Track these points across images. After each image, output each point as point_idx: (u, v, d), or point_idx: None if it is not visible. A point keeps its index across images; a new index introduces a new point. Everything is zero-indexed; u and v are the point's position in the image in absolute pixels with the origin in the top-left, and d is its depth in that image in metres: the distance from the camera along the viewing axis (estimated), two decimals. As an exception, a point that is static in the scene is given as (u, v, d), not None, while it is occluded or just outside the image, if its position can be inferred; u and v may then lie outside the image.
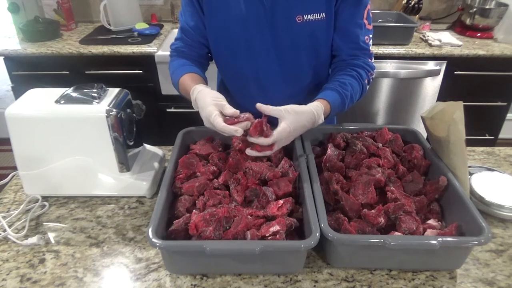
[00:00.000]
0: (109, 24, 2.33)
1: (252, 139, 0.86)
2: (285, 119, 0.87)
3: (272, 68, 1.08)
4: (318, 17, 0.99)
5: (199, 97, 0.94)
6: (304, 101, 1.16)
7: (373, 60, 1.09)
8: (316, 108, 0.92)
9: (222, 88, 1.25)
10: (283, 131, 0.86)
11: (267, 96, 1.13)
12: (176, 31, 2.43)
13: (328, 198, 0.90)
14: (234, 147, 1.01)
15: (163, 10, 2.57)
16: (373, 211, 0.84)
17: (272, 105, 1.13)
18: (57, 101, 0.96)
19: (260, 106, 0.87)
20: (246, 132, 0.87)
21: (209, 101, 0.90)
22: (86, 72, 2.10)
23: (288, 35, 1.02)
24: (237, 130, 0.83)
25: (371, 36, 1.06)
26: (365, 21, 1.03)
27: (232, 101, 1.22)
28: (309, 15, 0.98)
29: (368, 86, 1.08)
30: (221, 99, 0.91)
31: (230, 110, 0.88)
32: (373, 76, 1.09)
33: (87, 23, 2.52)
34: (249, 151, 0.88)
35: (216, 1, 1.02)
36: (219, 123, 0.85)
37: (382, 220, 0.82)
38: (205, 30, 1.08)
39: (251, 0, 0.98)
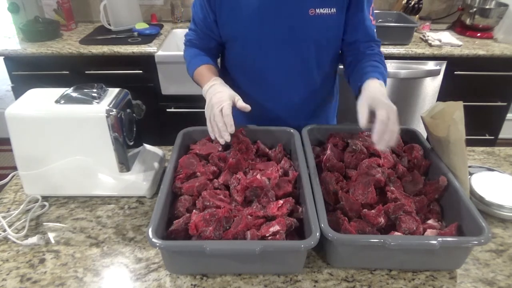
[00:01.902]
0: (109, 24, 2.33)
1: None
2: (379, 107, 0.89)
3: (281, 60, 1.10)
4: (329, 11, 1.02)
5: (217, 87, 1.01)
6: (310, 95, 1.17)
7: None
8: (366, 84, 0.97)
9: (224, 75, 1.25)
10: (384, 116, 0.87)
11: (274, 87, 1.15)
12: (176, 31, 2.44)
13: (328, 198, 0.90)
14: (234, 147, 1.01)
15: (163, 10, 2.57)
16: (373, 211, 0.84)
17: (277, 98, 1.18)
18: (57, 101, 0.96)
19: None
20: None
21: (227, 91, 0.99)
22: (86, 72, 2.10)
23: (300, 27, 1.04)
24: (232, 128, 0.93)
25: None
26: (371, 17, 1.10)
27: (234, 89, 1.23)
28: (321, 9, 1.01)
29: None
30: (237, 96, 1.00)
31: (243, 104, 0.97)
32: None
33: (87, 23, 2.52)
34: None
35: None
36: (227, 111, 0.94)
37: (382, 220, 0.82)
38: (213, 24, 1.10)
39: None
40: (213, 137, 0.99)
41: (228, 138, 0.95)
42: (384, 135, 0.85)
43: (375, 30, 1.12)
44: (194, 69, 1.13)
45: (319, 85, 1.18)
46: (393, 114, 0.87)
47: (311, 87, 1.17)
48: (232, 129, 0.94)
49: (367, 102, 0.91)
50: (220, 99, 0.97)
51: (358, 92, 1.01)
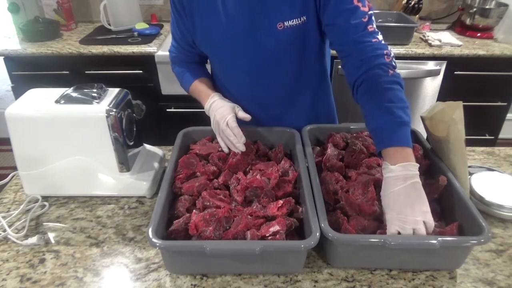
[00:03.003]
0: (109, 24, 2.33)
1: None
2: (389, 221, 0.78)
3: (257, 75, 1.07)
4: (299, 21, 0.97)
5: (217, 103, 1.04)
6: (292, 104, 1.14)
7: (381, 38, 0.93)
8: (384, 171, 0.82)
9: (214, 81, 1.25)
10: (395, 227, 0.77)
11: (256, 101, 1.12)
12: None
13: (328, 198, 0.90)
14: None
15: (163, 10, 2.57)
16: (365, 201, 0.84)
17: (262, 109, 1.13)
18: (57, 101, 0.96)
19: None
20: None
21: (227, 104, 1.03)
22: (86, 72, 2.10)
23: (271, 43, 1.00)
24: (243, 138, 0.98)
25: (370, 14, 0.92)
26: (358, 4, 0.91)
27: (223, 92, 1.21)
28: (289, 21, 0.96)
29: (396, 70, 0.92)
30: (238, 106, 1.04)
31: (244, 114, 1.02)
32: (392, 55, 0.93)
33: (87, 23, 2.52)
34: None
35: (198, 14, 1.02)
36: (233, 123, 0.98)
37: (377, 208, 0.82)
38: (192, 42, 1.10)
39: (231, 11, 0.98)
40: (226, 151, 1.02)
41: (243, 148, 0.99)
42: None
43: (365, 16, 0.91)
44: (189, 85, 1.16)
45: (306, 92, 1.14)
46: (402, 227, 0.76)
47: (297, 96, 1.13)
48: (243, 139, 0.99)
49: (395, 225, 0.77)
50: (222, 114, 1.01)
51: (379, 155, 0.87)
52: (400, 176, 0.79)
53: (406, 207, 0.77)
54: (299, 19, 0.97)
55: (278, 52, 1.03)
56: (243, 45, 1.02)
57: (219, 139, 1.03)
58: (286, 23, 0.97)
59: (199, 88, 1.13)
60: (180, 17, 1.05)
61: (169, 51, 1.20)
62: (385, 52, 0.92)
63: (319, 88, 1.18)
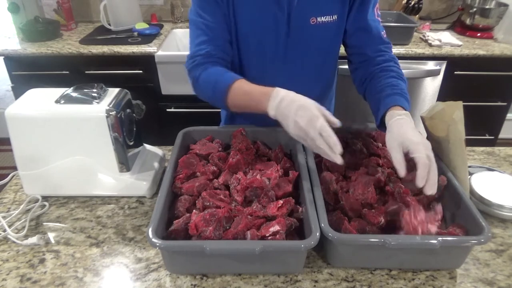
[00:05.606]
0: (109, 24, 2.34)
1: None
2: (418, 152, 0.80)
3: (281, 70, 1.08)
4: (331, 19, 1.01)
5: (295, 98, 0.85)
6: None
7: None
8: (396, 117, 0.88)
9: None
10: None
11: None
12: (176, 31, 2.43)
13: (328, 198, 0.90)
14: (234, 147, 1.01)
15: (163, 10, 2.57)
16: (373, 210, 0.84)
17: None
18: (57, 101, 0.96)
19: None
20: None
21: (308, 101, 0.83)
22: (86, 72, 2.11)
23: (301, 37, 1.03)
24: (340, 150, 0.80)
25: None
26: (378, 18, 1.07)
27: None
28: (322, 17, 1.00)
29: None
30: (322, 108, 0.84)
31: (335, 119, 0.84)
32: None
33: (87, 23, 2.52)
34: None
35: (241, 5, 0.99)
36: (328, 130, 0.79)
37: (382, 219, 0.82)
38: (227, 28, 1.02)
39: (268, 4, 0.99)
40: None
41: (340, 161, 0.82)
42: (430, 178, 0.78)
43: (383, 32, 1.07)
44: (233, 81, 0.95)
45: (319, 92, 1.16)
46: (430, 151, 0.81)
47: (312, 95, 1.13)
48: (338, 150, 0.81)
49: (399, 147, 0.82)
50: (311, 116, 0.81)
51: (380, 121, 0.95)
52: (405, 114, 0.89)
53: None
54: (331, 16, 1.00)
55: (306, 48, 1.05)
56: (271, 39, 1.03)
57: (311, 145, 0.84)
58: (319, 19, 1.00)
59: (247, 88, 0.94)
60: (216, 4, 0.99)
61: (194, 52, 1.02)
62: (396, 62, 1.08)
63: (329, 89, 1.22)
